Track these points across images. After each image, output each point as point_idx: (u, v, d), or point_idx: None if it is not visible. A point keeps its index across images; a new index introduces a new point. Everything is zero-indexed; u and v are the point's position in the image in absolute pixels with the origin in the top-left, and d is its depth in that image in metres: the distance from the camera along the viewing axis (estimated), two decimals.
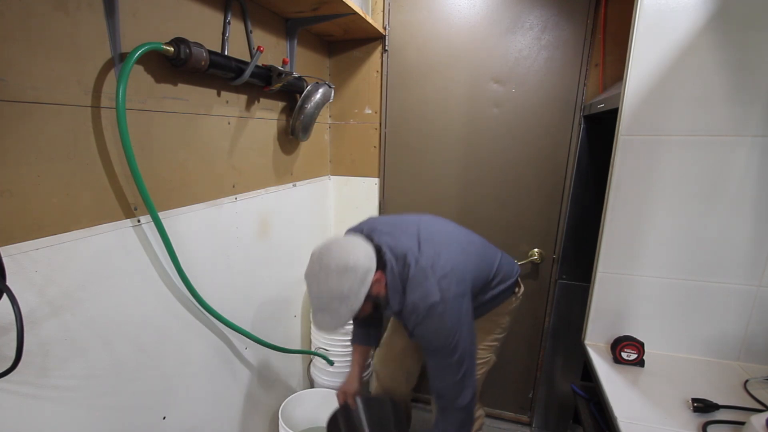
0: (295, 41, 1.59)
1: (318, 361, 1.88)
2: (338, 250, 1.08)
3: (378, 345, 1.56)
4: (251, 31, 1.35)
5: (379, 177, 2.03)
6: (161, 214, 1.02)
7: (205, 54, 1.04)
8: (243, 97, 1.36)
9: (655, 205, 1.09)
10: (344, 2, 1.40)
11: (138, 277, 1.03)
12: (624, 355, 1.10)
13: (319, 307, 1.09)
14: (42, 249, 0.80)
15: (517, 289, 1.43)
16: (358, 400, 1.41)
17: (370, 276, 1.07)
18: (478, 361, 1.36)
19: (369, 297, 1.09)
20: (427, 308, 1.08)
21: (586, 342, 1.22)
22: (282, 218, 1.68)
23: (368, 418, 1.39)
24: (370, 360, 1.58)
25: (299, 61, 1.68)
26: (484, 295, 1.32)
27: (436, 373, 1.15)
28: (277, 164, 1.61)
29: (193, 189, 1.18)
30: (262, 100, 1.46)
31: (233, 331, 1.36)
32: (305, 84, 1.56)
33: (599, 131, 1.64)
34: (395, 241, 1.17)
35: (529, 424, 2.08)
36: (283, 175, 1.67)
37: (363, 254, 1.09)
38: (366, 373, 1.42)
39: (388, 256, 1.15)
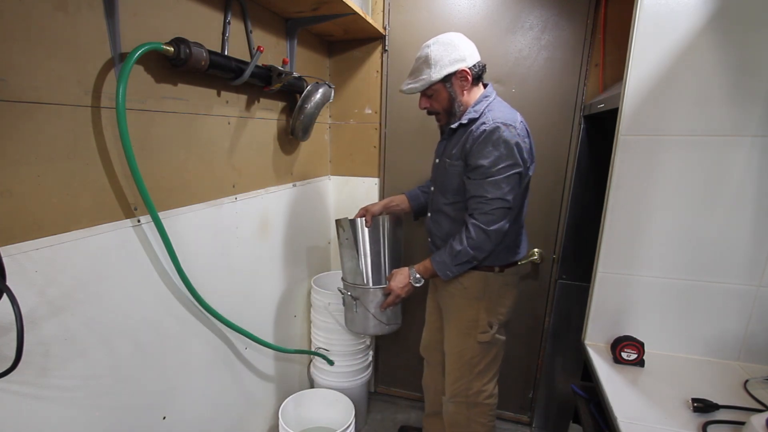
0: (295, 41, 1.59)
1: (318, 361, 1.88)
2: (459, 35, 1.29)
3: (415, 217, 1.68)
4: (251, 31, 1.35)
5: (379, 177, 2.03)
6: (161, 214, 1.02)
7: (205, 54, 1.04)
8: (243, 97, 1.36)
9: (655, 205, 1.09)
10: (344, 2, 1.40)
11: (138, 277, 1.03)
12: (624, 355, 1.10)
13: (410, 72, 1.34)
14: (42, 249, 0.80)
15: (501, 269, 1.38)
16: (379, 218, 1.52)
17: (461, 65, 1.26)
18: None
19: (450, 86, 1.29)
20: (500, 124, 1.22)
21: (586, 342, 1.22)
22: (282, 218, 1.68)
23: (371, 234, 1.51)
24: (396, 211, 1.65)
25: (299, 61, 1.68)
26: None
27: (473, 189, 1.28)
28: (277, 164, 1.61)
29: (193, 189, 1.18)
30: (262, 100, 1.46)
31: (233, 331, 1.36)
32: (305, 84, 1.56)
33: (599, 131, 1.64)
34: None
35: (529, 424, 2.08)
36: (283, 175, 1.67)
37: (471, 49, 1.29)
38: (389, 208, 1.61)
39: (491, 90, 1.35)
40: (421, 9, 1.80)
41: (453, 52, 1.26)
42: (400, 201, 1.63)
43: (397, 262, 1.53)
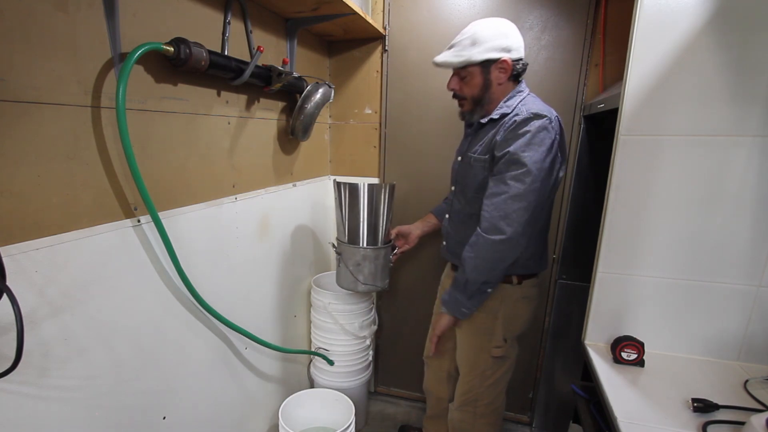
0: (295, 41, 1.59)
1: (318, 361, 1.88)
2: (513, 25, 1.23)
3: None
4: (251, 31, 1.35)
5: (379, 177, 2.03)
6: (161, 214, 1.02)
7: (205, 54, 1.04)
8: (243, 97, 1.36)
9: (655, 205, 1.09)
10: (344, 2, 1.40)
11: (138, 277, 1.03)
12: (624, 355, 1.10)
13: (452, 44, 1.25)
14: (42, 249, 0.80)
15: (519, 281, 1.33)
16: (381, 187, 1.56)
17: (505, 54, 1.20)
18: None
19: (487, 72, 1.23)
20: (533, 117, 1.16)
21: (586, 342, 1.22)
22: (282, 218, 1.68)
23: (368, 200, 1.54)
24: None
25: (299, 61, 1.68)
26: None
27: (494, 184, 1.21)
28: (277, 164, 1.61)
29: (193, 189, 1.18)
30: (262, 100, 1.46)
31: (233, 331, 1.36)
32: (305, 84, 1.56)
33: (599, 131, 1.64)
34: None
35: (529, 424, 2.08)
36: (283, 175, 1.67)
37: (519, 43, 1.23)
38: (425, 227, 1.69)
39: (524, 86, 1.29)
40: (421, 9, 1.80)
41: (502, 38, 1.19)
42: (430, 218, 1.65)
43: (378, 227, 1.58)
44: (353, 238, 1.57)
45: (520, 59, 1.23)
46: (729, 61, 0.97)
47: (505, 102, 1.25)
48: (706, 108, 1.01)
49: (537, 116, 1.16)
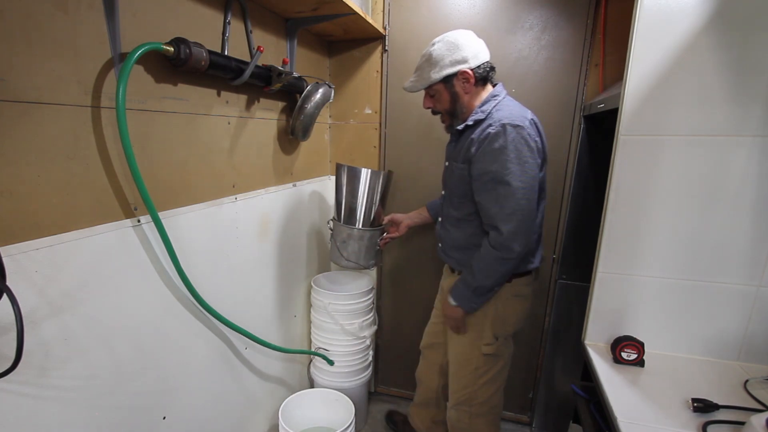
0: (295, 41, 1.59)
1: (318, 361, 1.88)
2: (467, 34, 1.25)
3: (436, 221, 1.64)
4: (251, 31, 1.35)
5: None
6: (161, 214, 1.02)
7: (205, 54, 1.04)
8: (243, 97, 1.36)
9: (655, 205, 1.09)
10: (344, 2, 1.40)
11: (138, 277, 1.03)
12: (624, 355, 1.10)
13: (415, 68, 1.33)
14: (42, 249, 0.80)
15: (509, 278, 1.34)
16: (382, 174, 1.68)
17: (462, 66, 1.23)
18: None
19: (451, 86, 1.27)
20: (504, 128, 1.17)
21: (586, 342, 1.22)
22: (282, 218, 1.68)
23: (369, 185, 1.65)
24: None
25: (299, 61, 1.68)
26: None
27: (485, 203, 1.24)
28: (277, 164, 1.61)
29: (193, 189, 1.18)
30: (262, 100, 1.46)
31: (233, 331, 1.36)
32: (305, 84, 1.56)
33: (599, 131, 1.64)
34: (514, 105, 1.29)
35: (529, 424, 2.08)
36: (283, 175, 1.67)
37: (476, 50, 1.24)
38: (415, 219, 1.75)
39: (500, 89, 1.31)
40: (421, 9, 1.80)
41: (455, 52, 1.23)
42: (424, 211, 1.70)
43: (369, 211, 1.68)
44: (344, 219, 1.68)
45: (482, 64, 1.26)
46: (729, 61, 0.97)
47: (480, 107, 1.28)
48: (706, 108, 1.01)
49: (509, 126, 1.17)
